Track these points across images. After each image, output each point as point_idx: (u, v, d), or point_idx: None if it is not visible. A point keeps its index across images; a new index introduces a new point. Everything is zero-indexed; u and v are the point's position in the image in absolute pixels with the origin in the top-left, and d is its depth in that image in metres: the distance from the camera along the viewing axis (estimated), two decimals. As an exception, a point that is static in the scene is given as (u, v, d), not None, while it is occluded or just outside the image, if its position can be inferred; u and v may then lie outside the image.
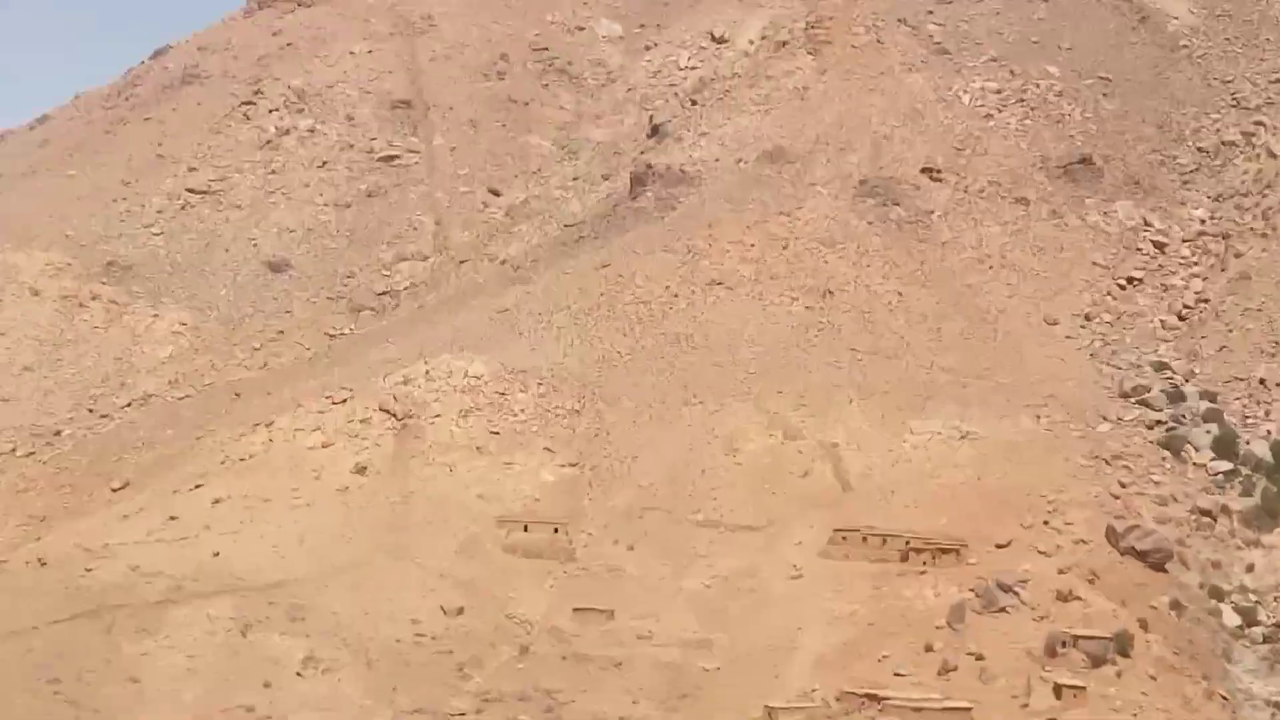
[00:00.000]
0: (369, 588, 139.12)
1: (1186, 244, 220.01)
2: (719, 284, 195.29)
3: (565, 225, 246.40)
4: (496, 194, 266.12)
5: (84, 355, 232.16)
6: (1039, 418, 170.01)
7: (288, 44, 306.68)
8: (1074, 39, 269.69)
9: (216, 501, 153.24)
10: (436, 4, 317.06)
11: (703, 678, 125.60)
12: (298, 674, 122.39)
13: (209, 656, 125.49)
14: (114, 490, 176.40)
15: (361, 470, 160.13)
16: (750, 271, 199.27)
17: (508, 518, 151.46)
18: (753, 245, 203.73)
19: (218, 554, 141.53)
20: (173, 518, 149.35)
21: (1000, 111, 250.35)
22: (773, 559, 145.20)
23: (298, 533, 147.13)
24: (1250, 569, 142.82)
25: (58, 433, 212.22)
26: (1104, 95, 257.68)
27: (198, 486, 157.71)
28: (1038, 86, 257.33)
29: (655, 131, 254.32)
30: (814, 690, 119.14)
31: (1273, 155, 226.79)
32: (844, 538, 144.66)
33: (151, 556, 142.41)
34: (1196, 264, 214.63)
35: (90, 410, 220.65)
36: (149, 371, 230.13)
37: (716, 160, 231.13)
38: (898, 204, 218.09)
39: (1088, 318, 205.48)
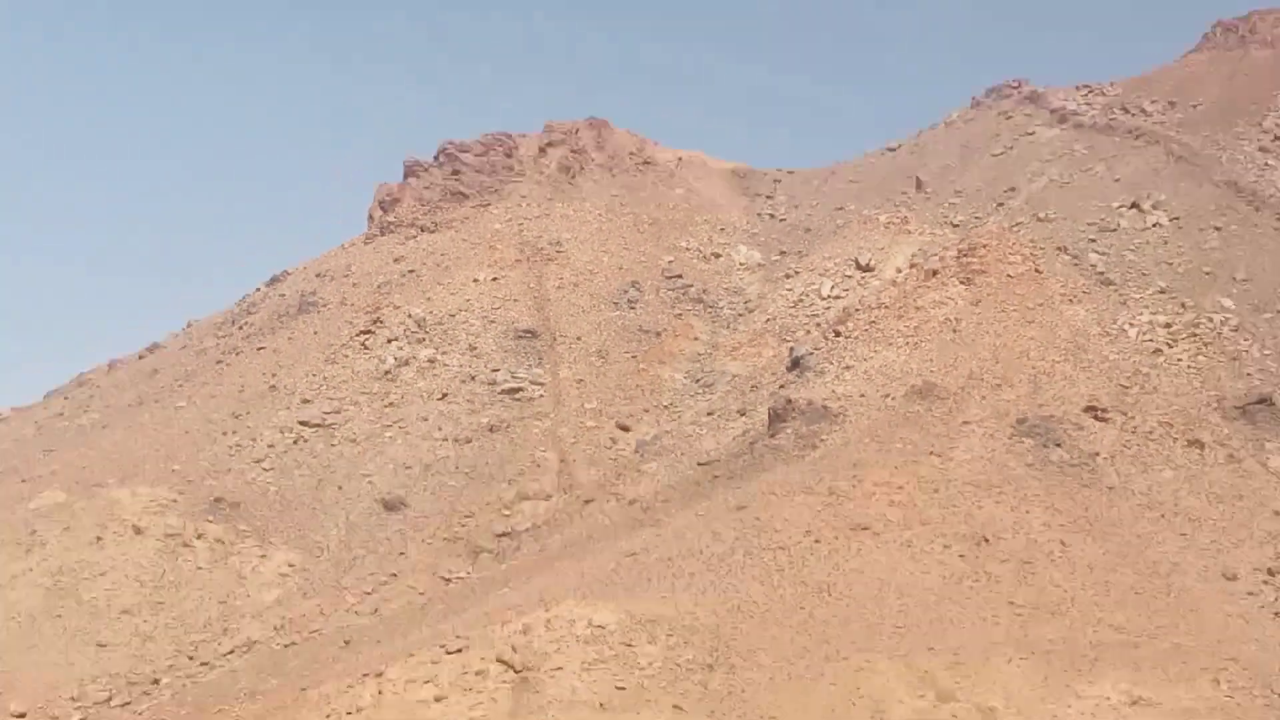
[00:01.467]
0: None
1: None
2: (864, 529, 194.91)
3: (698, 464, 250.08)
4: (625, 429, 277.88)
5: (186, 598, 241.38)
6: (1218, 682, 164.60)
7: (409, 271, 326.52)
8: (1250, 269, 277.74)
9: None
10: (565, 230, 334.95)
11: None
12: None
13: None
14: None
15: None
16: (898, 516, 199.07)
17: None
18: (901, 488, 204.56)
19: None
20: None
21: (1170, 347, 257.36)
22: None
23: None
24: None
25: (156, 681, 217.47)
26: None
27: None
28: (1211, 320, 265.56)
29: (795, 364, 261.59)
30: None
31: None
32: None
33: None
34: None
35: (190, 658, 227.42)
36: (254, 616, 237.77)
37: (862, 395, 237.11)
38: (1059, 445, 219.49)
39: (1271, 572, 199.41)
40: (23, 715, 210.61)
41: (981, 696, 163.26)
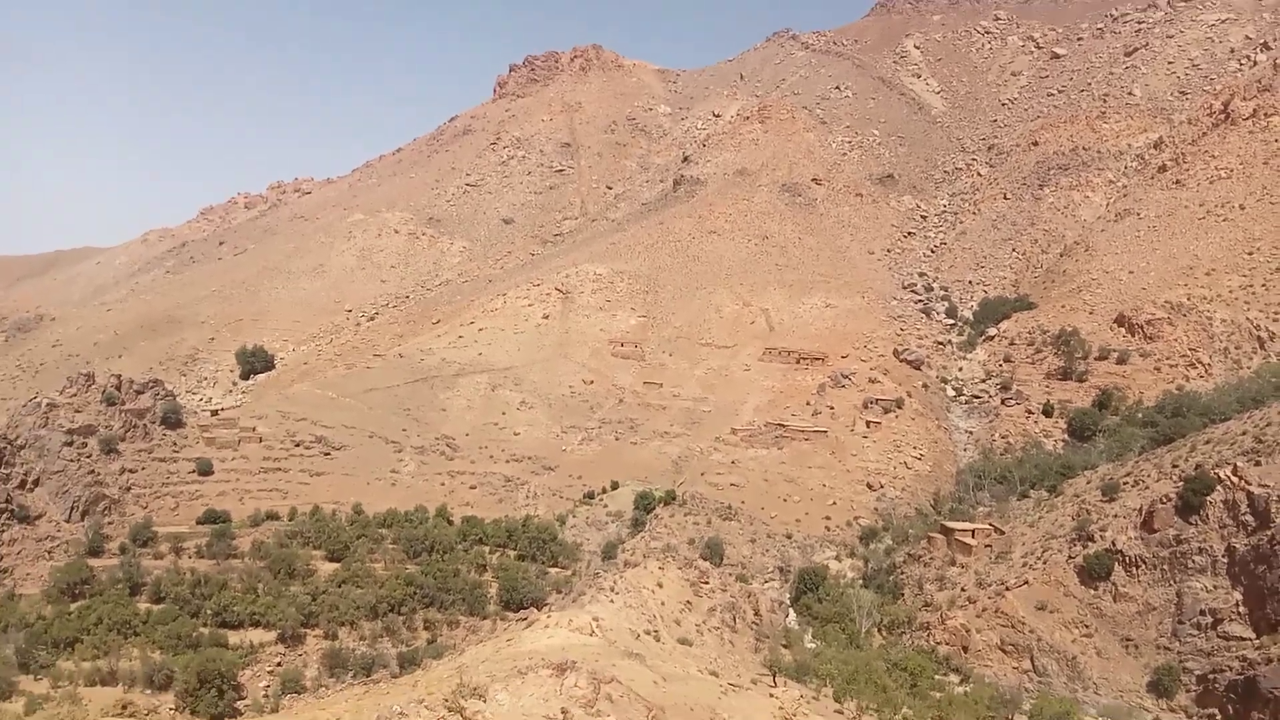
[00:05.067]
0: (550, 370, 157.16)
1: (937, 216, 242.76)
2: (714, 233, 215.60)
3: (642, 203, 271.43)
4: (610, 188, 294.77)
5: (419, 262, 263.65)
6: (863, 297, 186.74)
7: (512, 115, 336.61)
8: (885, 116, 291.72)
9: (480, 330, 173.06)
10: (582, 95, 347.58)
11: (703, 415, 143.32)
12: (517, 409, 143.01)
13: (477, 400, 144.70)
14: (433, 324, 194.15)
15: (546, 317, 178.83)
16: (729, 226, 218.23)
17: (614, 340, 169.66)
18: (731, 214, 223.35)
19: (481, 354, 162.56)
20: (460, 337, 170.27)
21: (850, 151, 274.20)
22: (737, 361, 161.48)
23: (517, 344, 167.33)
24: (961, 369, 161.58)
25: (407, 297, 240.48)
26: (898, 142, 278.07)
27: (472, 322, 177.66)
28: (868, 139, 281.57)
29: (686, 160, 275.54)
30: (753, 422, 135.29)
31: (980, 174, 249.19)
32: (770, 352, 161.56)
33: (450, 355, 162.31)
34: (940, 227, 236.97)
35: (423, 287, 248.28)
36: (449, 269, 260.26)
37: (715, 173, 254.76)
38: (799, 196, 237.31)
39: (888, 250, 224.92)
40: (350, 310, 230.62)
41: (763, 303, 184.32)
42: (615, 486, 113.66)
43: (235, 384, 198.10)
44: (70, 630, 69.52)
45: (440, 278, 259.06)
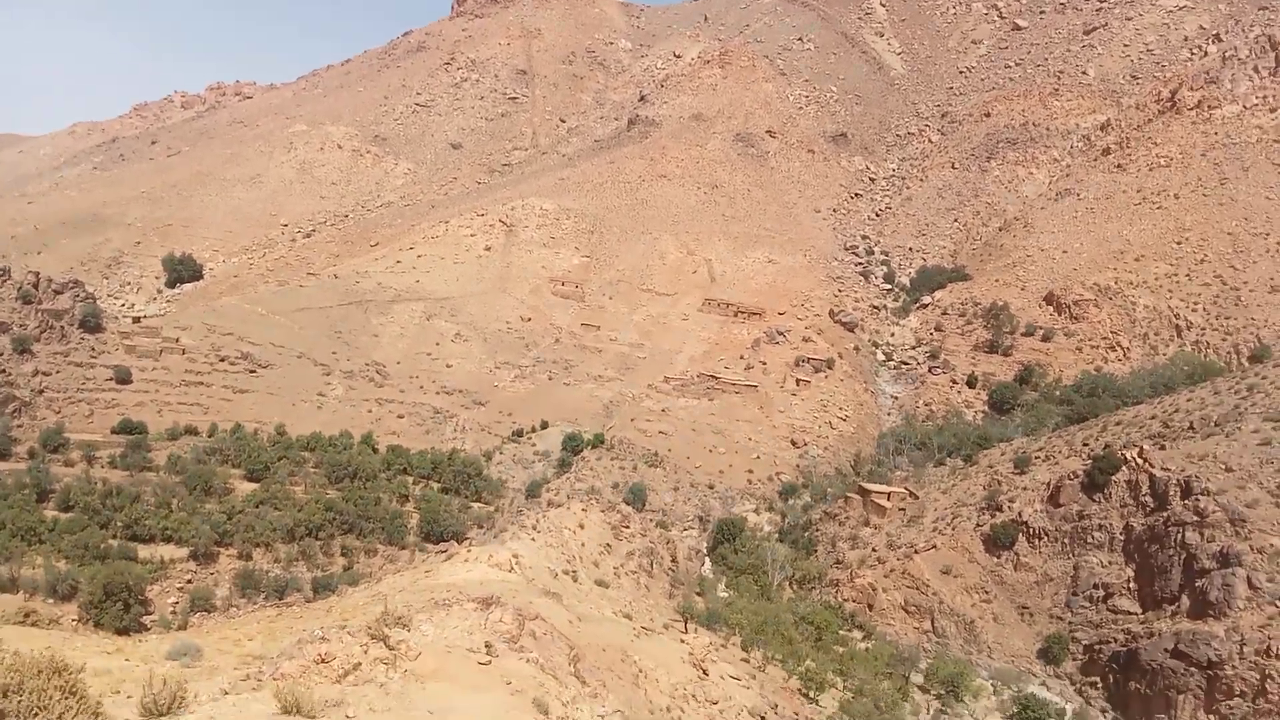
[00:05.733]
0: (488, 303, 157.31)
1: (885, 180, 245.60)
2: (664, 177, 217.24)
3: (595, 140, 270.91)
4: (564, 121, 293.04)
5: (361, 180, 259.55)
6: (805, 255, 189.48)
7: (468, 35, 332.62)
8: (844, 73, 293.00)
9: (420, 256, 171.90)
10: (542, 22, 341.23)
11: (638, 361, 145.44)
12: (451, 340, 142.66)
13: (411, 329, 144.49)
14: (371, 246, 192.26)
15: (488, 249, 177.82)
16: (680, 172, 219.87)
17: (555, 278, 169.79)
18: (683, 160, 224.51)
19: (418, 281, 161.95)
20: (398, 262, 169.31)
21: (806, 106, 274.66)
22: (676, 310, 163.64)
23: (456, 274, 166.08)
24: (893, 335, 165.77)
25: (346, 216, 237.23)
26: (855, 101, 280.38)
27: (411, 248, 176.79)
28: (825, 95, 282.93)
29: (642, 99, 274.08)
30: (686, 372, 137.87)
31: (931, 141, 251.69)
32: (709, 303, 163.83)
33: (387, 279, 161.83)
34: (887, 191, 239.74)
35: (363, 207, 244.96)
36: (392, 190, 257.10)
37: (670, 116, 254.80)
38: (753, 147, 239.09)
39: (834, 210, 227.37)
40: (286, 225, 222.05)
41: (706, 254, 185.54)
42: (545, 426, 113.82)
43: (160, 292, 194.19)
44: (-29, 534, 65.04)
45: (382, 199, 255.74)
